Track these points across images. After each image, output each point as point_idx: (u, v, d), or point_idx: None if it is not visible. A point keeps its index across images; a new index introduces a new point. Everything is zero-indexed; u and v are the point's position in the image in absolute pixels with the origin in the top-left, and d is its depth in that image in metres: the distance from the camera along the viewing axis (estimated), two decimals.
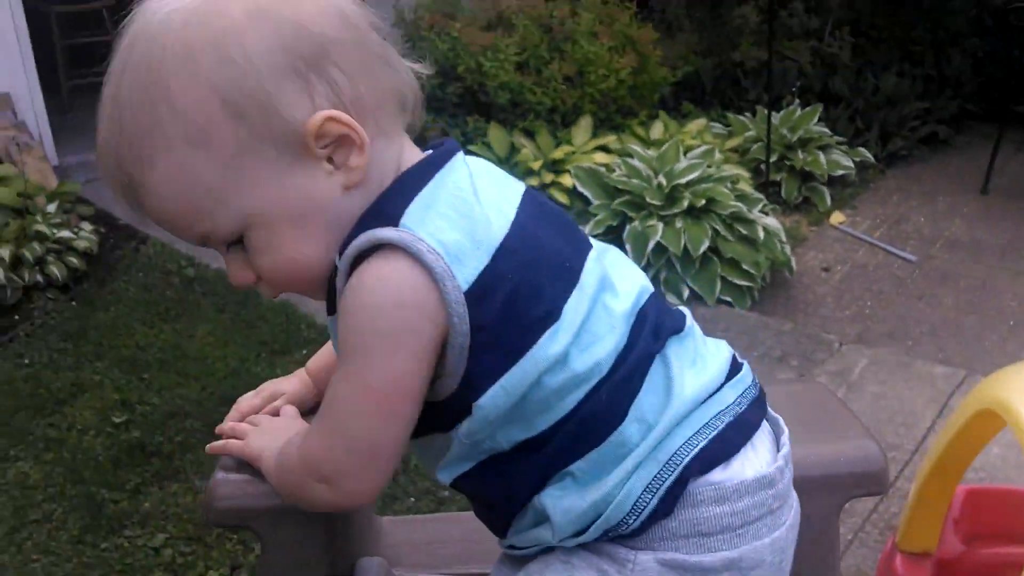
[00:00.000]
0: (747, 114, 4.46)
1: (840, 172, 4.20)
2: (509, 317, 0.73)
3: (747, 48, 4.80)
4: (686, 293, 3.23)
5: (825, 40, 4.97)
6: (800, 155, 4.12)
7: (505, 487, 0.81)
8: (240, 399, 1.01)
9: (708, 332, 0.88)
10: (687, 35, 4.85)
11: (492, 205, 0.76)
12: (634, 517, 0.77)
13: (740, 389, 0.83)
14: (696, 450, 0.77)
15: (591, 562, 0.80)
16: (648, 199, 3.37)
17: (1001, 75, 4.87)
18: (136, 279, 3.59)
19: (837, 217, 4.03)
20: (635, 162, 3.60)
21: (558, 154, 3.79)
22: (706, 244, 3.21)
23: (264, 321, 3.22)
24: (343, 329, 0.73)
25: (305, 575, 0.92)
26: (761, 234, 3.29)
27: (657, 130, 4.08)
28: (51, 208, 3.61)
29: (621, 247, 3.33)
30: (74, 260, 3.50)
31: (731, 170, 3.67)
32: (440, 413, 0.77)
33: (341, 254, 0.74)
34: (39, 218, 3.51)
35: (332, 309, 0.77)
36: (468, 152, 0.82)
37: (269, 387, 1.02)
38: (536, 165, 3.74)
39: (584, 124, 3.99)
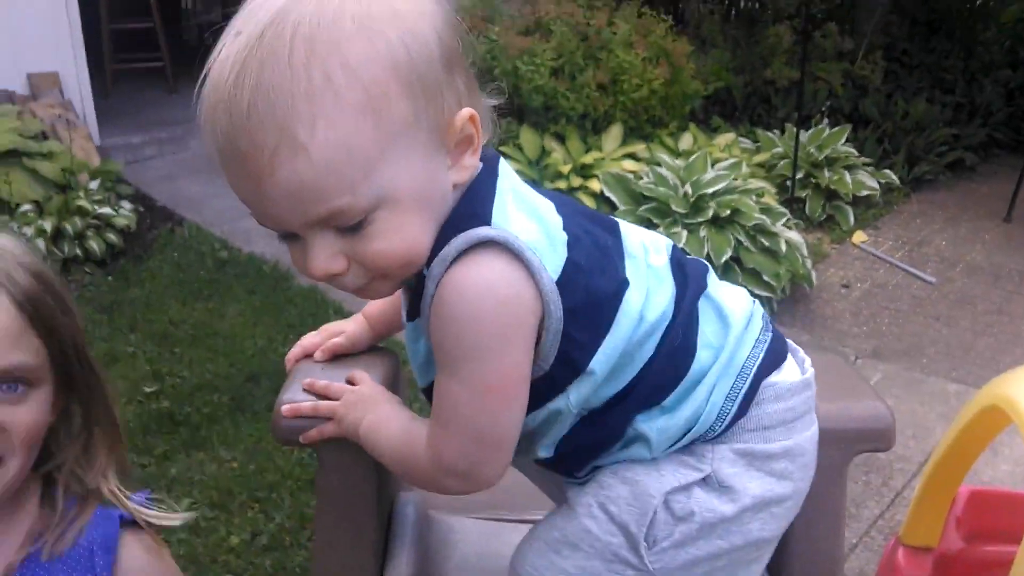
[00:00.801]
0: (776, 131, 4.51)
1: (865, 192, 4.24)
2: (592, 294, 0.81)
3: (779, 67, 4.86)
4: None
5: (857, 63, 5.03)
6: (826, 174, 4.18)
7: (599, 436, 0.89)
8: (303, 337, 1.07)
9: None
10: (720, 51, 4.92)
11: (539, 200, 0.84)
12: (720, 423, 0.89)
13: (762, 312, 0.97)
14: (758, 360, 0.91)
15: (672, 457, 0.90)
16: (674, 207, 3.43)
17: None
18: (171, 258, 3.69)
19: (859, 236, 4.07)
20: (663, 171, 3.67)
21: (587, 159, 3.86)
22: (728, 253, 3.27)
23: (292, 305, 3.31)
24: (447, 335, 0.77)
25: (356, 497, 0.99)
26: (783, 247, 3.34)
27: (686, 141, 4.15)
28: (93, 185, 3.73)
29: None
30: (112, 236, 3.61)
31: (757, 183, 3.73)
32: (547, 387, 0.84)
33: (429, 263, 0.78)
34: (81, 194, 3.62)
35: (413, 315, 0.83)
36: (500, 154, 0.89)
37: (329, 326, 1.08)
38: (565, 169, 3.81)
39: (615, 132, 4.06)
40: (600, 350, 0.83)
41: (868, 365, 3.03)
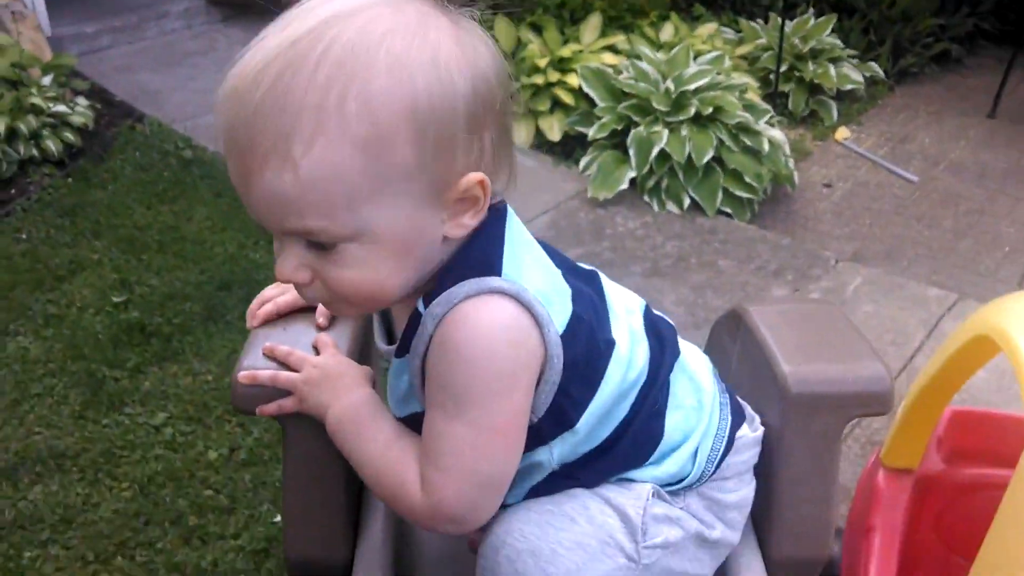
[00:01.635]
0: (759, 20, 4.35)
1: (849, 87, 4.14)
2: (589, 351, 0.81)
3: None
4: (687, 202, 3.22)
5: None
6: (810, 67, 4.06)
7: (573, 487, 0.90)
8: (265, 289, 1.01)
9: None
10: None
11: (540, 250, 0.83)
12: (697, 478, 0.94)
13: (713, 369, 1.01)
14: (729, 420, 0.96)
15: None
16: (655, 104, 3.32)
17: None
18: (133, 158, 3.55)
19: (842, 133, 3.99)
20: (644, 65, 3.54)
21: (565, 52, 3.71)
22: (710, 154, 3.19)
23: None
24: (456, 375, 0.75)
25: (325, 468, 0.94)
26: (766, 146, 3.27)
27: (667, 32, 3.99)
28: (46, 81, 3.53)
29: (624, 152, 3.31)
30: (69, 135, 3.44)
31: (740, 79, 3.61)
32: (532, 439, 0.84)
33: (427, 302, 0.76)
34: (34, 91, 3.43)
35: (403, 351, 0.81)
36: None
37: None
38: (542, 63, 3.66)
39: (593, 22, 3.89)
40: (589, 407, 0.84)
41: (849, 269, 3.01)
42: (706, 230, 3.10)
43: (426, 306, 0.77)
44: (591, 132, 3.43)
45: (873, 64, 4.38)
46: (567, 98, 3.59)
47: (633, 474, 0.91)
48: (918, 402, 1.43)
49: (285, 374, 0.91)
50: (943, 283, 2.96)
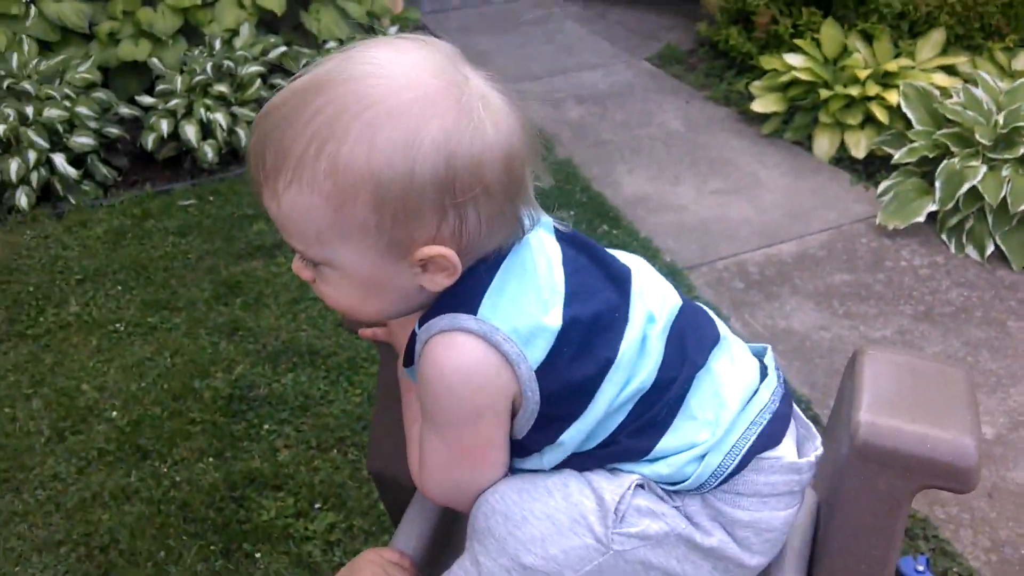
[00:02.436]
0: None
1: None
2: (574, 377, 0.85)
3: None
4: (989, 249, 2.88)
5: None
6: None
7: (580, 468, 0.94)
8: None
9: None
10: None
11: (548, 277, 0.85)
12: (695, 487, 0.91)
13: (772, 387, 0.96)
14: (749, 442, 0.91)
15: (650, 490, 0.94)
16: (978, 136, 2.98)
17: None
18: None
19: None
20: (978, 92, 3.18)
21: (892, 66, 3.44)
22: None
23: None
24: (426, 397, 0.85)
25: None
26: None
27: (1023, 61, 3.54)
28: (392, 31, 3.94)
29: (930, 182, 3.02)
30: None
31: None
32: (522, 450, 0.92)
33: (422, 324, 0.84)
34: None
35: (409, 361, 0.89)
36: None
37: None
38: (863, 74, 3.42)
39: (935, 38, 3.56)
40: (575, 424, 0.87)
41: None
42: (1004, 284, 2.75)
43: (419, 328, 0.85)
44: (898, 155, 3.16)
45: None
46: (881, 115, 3.33)
47: (624, 466, 0.91)
48: None
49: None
50: None
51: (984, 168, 2.92)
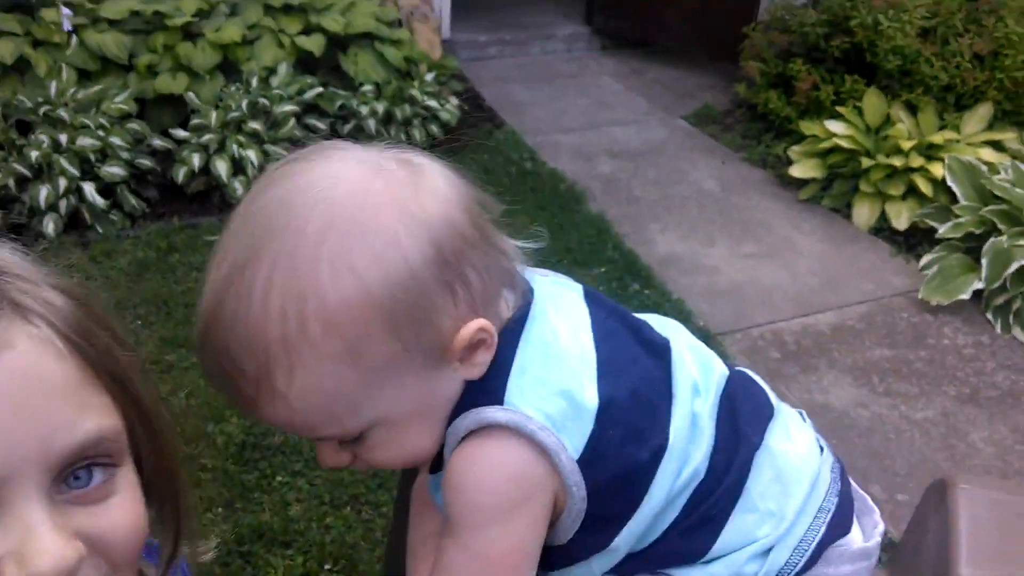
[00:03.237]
0: None
1: None
2: (623, 469, 0.74)
3: None
4: None
5: None
6: None
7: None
8: None
9: None
10: None
11: (575, 346, 0.75)
12: None
13: (830, 463, 0.86)
14: (819, 533, 0.81)
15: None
16: None
17: None
18: (481, 159, 3.82)
19: None
20: None
21: (937, 138, 3.37)
22: None
23: (576, 229, 3.29)
24: (455, 503, 0.73)
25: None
26: None
27: None
28: (429, 77, 3.92)
29: (975, 259, 2.93)
30: (435, 128, 3.79)
31: None
32: (567, 556, 0.79)
33: (449, 423, 0.74)
34: (416, 84, 3.83)
35: (436, 467, 0.78)
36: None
37: None
38: (907, 145, 3.36)
39: (981, 112, 3.49)
40: (628, 525, 0.76)
41: None
42: None
43: (448, 430, 0.75)
44: (943, 229, 3.08)
45: None
46: (925, 187, 3.26)
47: (676, 571, 0.80)
48: None
49: None
50: None
51: None
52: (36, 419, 0.51)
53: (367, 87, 3.73)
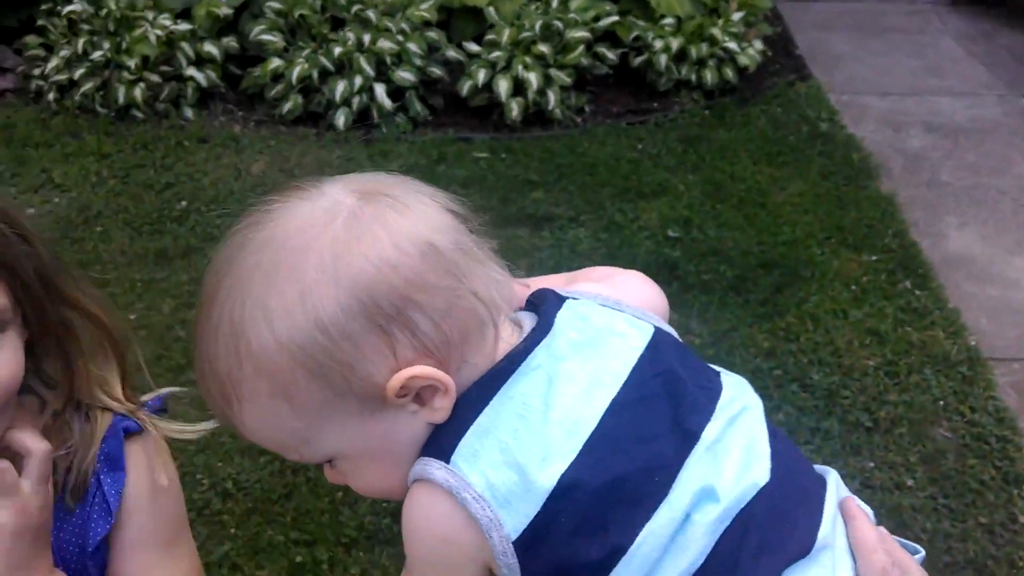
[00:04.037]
0: None
1: None
2: (566, 561, 0.66)
3: None
4: None
5: None
6: None
7: None
8: None
9: None
10: None
11: (570, 412, 0.67)
12: None
13: None
14: None
15: None
16: None
17: None
18: (772, 112, 3.56)
19: None
20: None
21: None
22: None
23: (856, 207, 2.99)
24: (404, 540, 0.72)
25: None
26: None
27: None
28: (736, 16, 3.68)
29: None
30: (729, 72, 3.58)
31: None
32: None
33: None
34: (719, 23, 3.61)
35: None
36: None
37: None
38: None
39: None
40: None
41: None
42: None
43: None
44: None
45: None
46: None
47: None
48: None
49: None
50: None
51: None
52: None
53: (668, 20, 3.59)
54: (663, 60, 3.49)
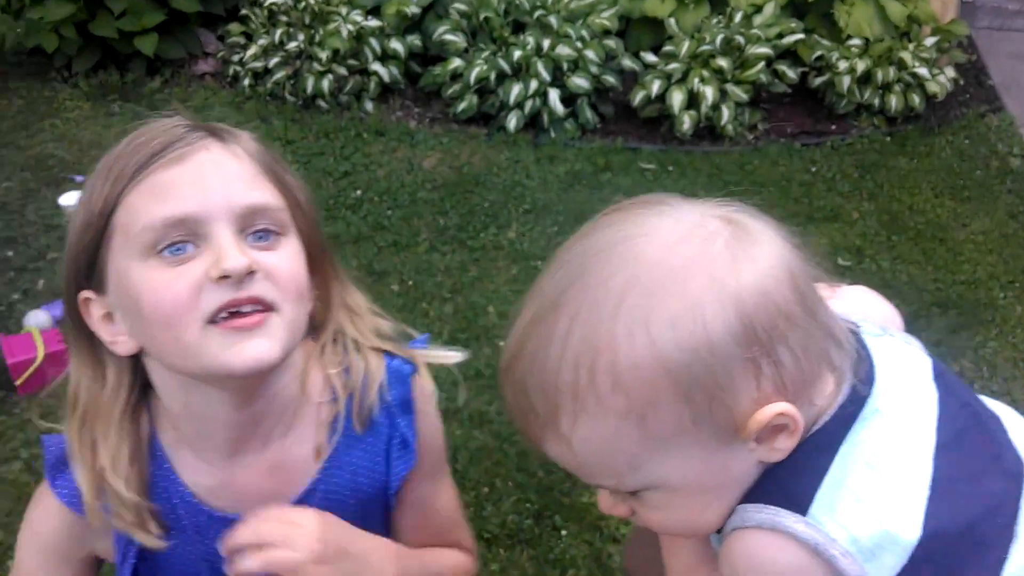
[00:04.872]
0: None
1: None
2: None
3: None
4: None
5: None
6: None
7: None
8: None
9: None
10: None
11: (909, 457, 0.66)
12: None
13: None
14: None
15: None
16: None
17: None
18: (959, 143, 3.37)
19: None
20: None
21: None
22: None
23: None
24: None
25: None
26: None
27: None
28: (928, 42, 3.51)
29: None
30: (915, 99, 3.42)
31: None
32: None
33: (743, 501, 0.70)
34: (910, 47, 3.45)
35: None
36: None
37: None
38: None
39: None
40: None
41: None
42: None
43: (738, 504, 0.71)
44: None
45: None
46: None
47: None
48: None
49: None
50: None
51: None
52: (221, 187, 0.82)
53: (855, 41, 3.46)
54: (846, 82, 3.37)
